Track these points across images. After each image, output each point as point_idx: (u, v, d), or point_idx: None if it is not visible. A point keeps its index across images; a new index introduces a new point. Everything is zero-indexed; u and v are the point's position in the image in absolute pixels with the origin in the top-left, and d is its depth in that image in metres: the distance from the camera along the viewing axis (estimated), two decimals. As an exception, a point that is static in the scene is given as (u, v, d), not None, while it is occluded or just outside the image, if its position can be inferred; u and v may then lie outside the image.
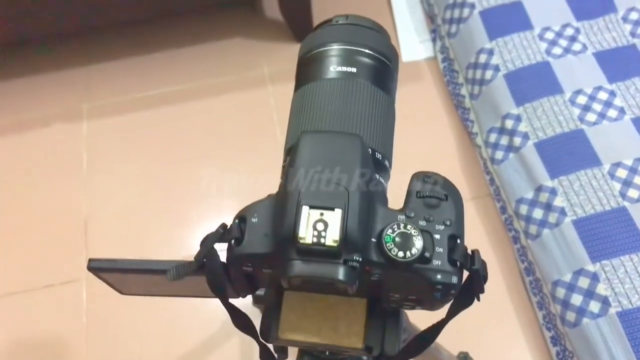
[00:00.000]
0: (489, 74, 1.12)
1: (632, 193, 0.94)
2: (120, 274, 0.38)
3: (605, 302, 0.87)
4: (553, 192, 0.97)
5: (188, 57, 1.36)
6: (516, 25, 1.14)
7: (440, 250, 0.34)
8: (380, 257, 0.33)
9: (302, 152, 0.34)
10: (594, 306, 0.88)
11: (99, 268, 0.37)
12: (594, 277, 0.89)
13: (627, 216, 0.92)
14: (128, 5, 1.21)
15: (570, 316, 0.90)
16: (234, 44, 1.38)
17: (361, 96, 0.39)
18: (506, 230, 1.08)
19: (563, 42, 1.12)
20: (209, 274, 0.34)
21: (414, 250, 0.33)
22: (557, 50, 1.11)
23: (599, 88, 1.05)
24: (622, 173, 0.96)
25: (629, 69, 1.07)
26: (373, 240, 0.34)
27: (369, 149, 0.37)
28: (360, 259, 0.32)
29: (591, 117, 1.03)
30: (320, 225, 0.32)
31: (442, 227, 0.34)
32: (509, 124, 1.06)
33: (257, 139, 1.24)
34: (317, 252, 0.32)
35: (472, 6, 1.19)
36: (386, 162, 0.40)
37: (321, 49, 0.41)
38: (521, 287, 1.05)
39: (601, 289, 0.87)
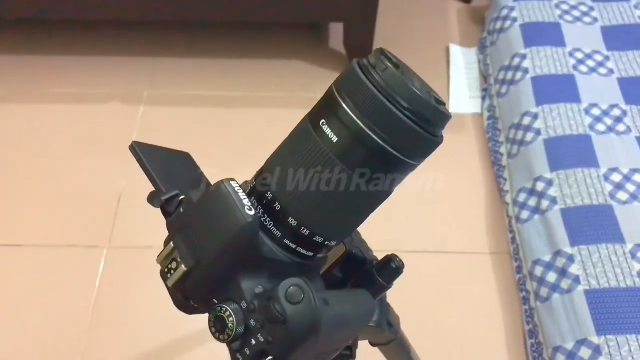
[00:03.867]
0: (529, 136, 1.15)
1: (650, 276, 0.94)
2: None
3: (602, 375, 0.85)
4: (571, 259, 0.97)
5: (248, 68, 1.44)
6: (565, 96, 1.17)
7: (246, 353, 0.33)
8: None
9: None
10: (591, 378, 0.86)
11: (139, 148, 0.41)
12: (597, 350, 0.88)
13: (641, 297, 0.92)
14: (207, 6, 1.30)
15: (565, 384, 0.89)
16: (294, 65, 1.45)
17: (315, 162, 0.33)
18: (518, 290, 1.08)
19: (608, 121, 1.14)
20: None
21: (222, 336, 0.33)
22: (600, 127, 1.13)
23: (636, 170, 1.06)
24: (643, 255, 0.96)
25: (669, 158, 1.08)
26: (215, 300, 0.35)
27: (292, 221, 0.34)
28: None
29: (623, 195, 1.03)
30: (173, 264, 0.35)
31: (262, 339, 0.33)
32: (540, 186, 1.08)
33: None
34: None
35: (526, 71, 1.23)
36: (316, 239, 0.35)
37: (336, 96, 0.33)
38: (522, 349, 1.04)
39: (601, 361, 0.86)
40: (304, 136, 0.33)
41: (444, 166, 1.29)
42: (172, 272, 0.35)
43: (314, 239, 0.34)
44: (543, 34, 1.30)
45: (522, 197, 1.11)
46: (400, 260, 0.41)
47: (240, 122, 1.35)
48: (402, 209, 1.22)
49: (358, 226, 0.38)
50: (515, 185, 1.14)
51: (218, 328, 0.33)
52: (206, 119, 1.35)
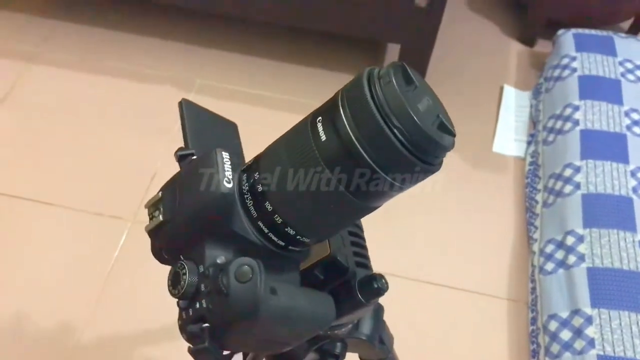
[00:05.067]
0: (568, 188, 1.12)
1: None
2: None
3: None
4: (589, 320, 0.94)
5: (298, 73, 1.46)
6: (612, 154, 1.14)
7: (189, 313, 0.35)
8: None
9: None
10: None
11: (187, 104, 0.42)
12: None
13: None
14: (272, 7, 1.32)
15: None
16: (343, 79, 1.45)
17: (301, 156, 0.32)
18: (529, 342, 1.04)
19: (654, 187, 1.10)
20: None
21: (173, 291, 0.35)
22: (644, 192, 1.09)
23: (674, 242, 1.02)
24: (666, 330, 0.92)
25: None
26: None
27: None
28: None
29: (655, 266, 0.99)
30: (156, 212, 0.37)
31: (204, 305, 0.34)
32: (570, 240, 1.05)
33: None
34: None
35: (577, 123, 1.21)
36: (288, 230, 0.35)
37: (338, 101, 0.32)
38: (523, 403, 1.01)
39: None
40: (300, 129, 0.33)
41: (478, 202, 1.27)
42: (153, 219, 0.37)
43: (286, 229, 0.34)
44: (600, 89, 1.27)
45: (549, 248, 1.08)
46: (385, 283, 0.40)
47: (280, 124, 1.36)
48: (426, 237, 1.21)
49: (335, 230, 0.37)
50: (544, 235, 1.11)
51: (173, 282, 0.35)
52: (250, 116, 1.37)
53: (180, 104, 0.42)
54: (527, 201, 1.24)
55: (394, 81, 0.30)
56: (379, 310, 0.52)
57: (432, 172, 0.32)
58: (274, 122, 1.37)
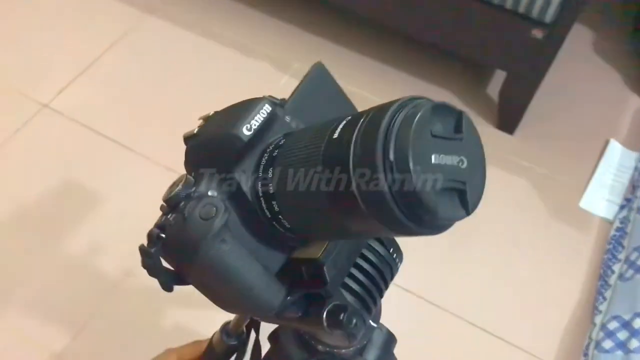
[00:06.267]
0: (652, 267, 1.01)
1: None
2: None
3: None
4: (636, 415, 0.85)
5: (399, 80, 1.42)
6: None
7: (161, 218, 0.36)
8: None
9: None
10: None
11: None
12: None
13: None
14: (397, 13, 1.30)
15: None
16: (441, 94, 1.41)
17: (310, 143, 0.32)
18: (564, 417, 0.96)
19: None
20: None
21: (165, 194, 0.36)
22: None
23: None
24: None
25: None
26: None
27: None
28: None
29: None
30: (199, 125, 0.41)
31: (170, 218, 0.35)
32: (638, 323, 0.95)
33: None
34: None
35: (681, 199, 1.09)
36: (274, 204, 0.35)
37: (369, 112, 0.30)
38: None
39: None
40: (332, 120, 0.31)
41: (550, 254, 1.18)
42: (194, 130, 0.39)
43: (273, 202, 0.34)
44: None
45: (613, 325, 0.98)
46: (356, 325, 0.35)
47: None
48: (483, 272, 1.14)
49: (320, 231, 0.34)
50: (611, 310, 1.02)
51: (171, 186, 0.36)
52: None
53: (315, 65, 0.42)
54: (603, 268, 1.13)
55: (417, 112, 0.26)
56: (390, 342, 0.49)
57: (414, 234, 0.27)
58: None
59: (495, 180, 1.28)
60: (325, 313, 0.35)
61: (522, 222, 1.22)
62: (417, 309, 1.08)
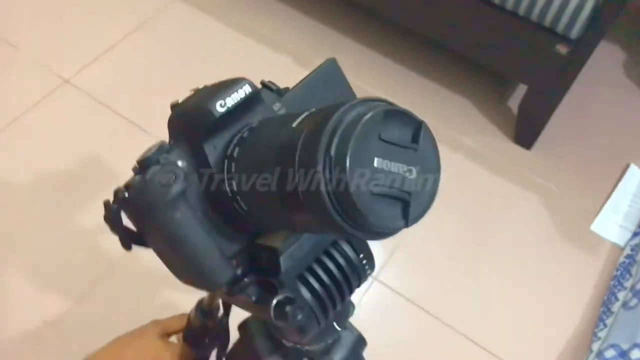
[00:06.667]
0: (657, 298, 0.99)
1: None
2: None
3: None
4: None
5: (422, 86, 1.41)
6: None
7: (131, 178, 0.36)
8: None
9: None
10: None
11: None
12: None
13: None
14: (419, 14, 1.29)
15: None
16: (461, 103, 1.39)
17: (276, 128, 0.32)
18: None
19: None
20: None
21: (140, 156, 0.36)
22: None
23: None
24: None
25: None
26: None
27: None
28: None
29: None
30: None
31: (137, 177, 0.36)
32: (635, 355, 0.92)
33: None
34: None
35: (695, 231, 1.05)
36: (232, 183, 0.35)
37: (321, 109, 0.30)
38: None
39: None
40: (299, 112, 0.31)
41: (555, 275, 1.15)
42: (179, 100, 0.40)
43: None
44: None
45: (609, 353, 0.96)
46: (301, 318, 0.35)
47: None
48: (485, 288, 1.12)
49: (269, 221, 0.35)
50: (610, 337, 0.99)
51: (149, 147, 0.37)
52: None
53: (327, 60, 0.43)
54: (607, 295, 1.11)
55: (374, 117, 0.25)
56: (359, 345, 0.49)
57: (356, 237, 0.26)
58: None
59: (508, 194, 1.26)
60: (274, 302, 0.35)
61: (530, 239, 1.20)
62: (417, 320, 1.05)
